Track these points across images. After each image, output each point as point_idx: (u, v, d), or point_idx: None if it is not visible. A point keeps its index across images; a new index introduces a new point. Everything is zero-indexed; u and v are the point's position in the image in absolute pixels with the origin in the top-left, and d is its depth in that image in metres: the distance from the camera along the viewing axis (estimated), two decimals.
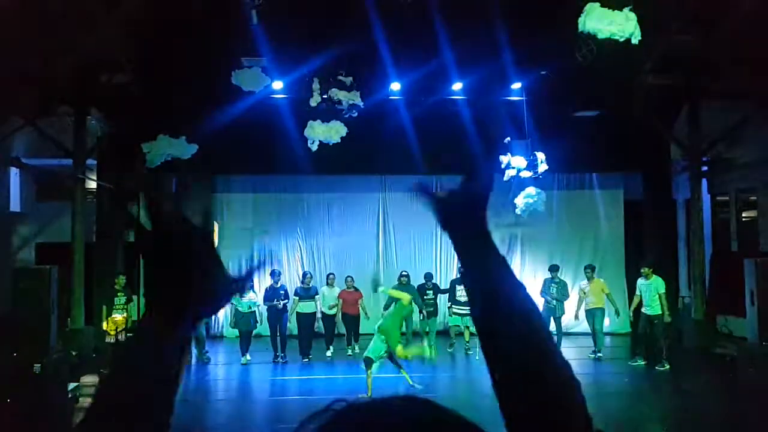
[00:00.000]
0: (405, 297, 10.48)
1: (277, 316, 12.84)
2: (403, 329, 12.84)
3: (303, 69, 11.89)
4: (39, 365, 9.13)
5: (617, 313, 13.19)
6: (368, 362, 9.69)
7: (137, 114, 12.61)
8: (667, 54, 11.85)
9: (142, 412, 0.89)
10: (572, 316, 13.39)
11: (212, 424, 9.34)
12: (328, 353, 13.17)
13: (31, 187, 15.66)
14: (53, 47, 10.16)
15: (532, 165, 12.15)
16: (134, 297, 12.94)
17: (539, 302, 13.18)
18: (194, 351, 12.62)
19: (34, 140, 13.34)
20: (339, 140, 11.70)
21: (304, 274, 13.66)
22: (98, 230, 14.27)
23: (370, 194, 15.90)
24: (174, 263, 0.95)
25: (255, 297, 13.11)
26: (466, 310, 12.51)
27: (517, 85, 13.33)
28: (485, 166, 1.10)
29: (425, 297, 13.45)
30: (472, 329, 11.88)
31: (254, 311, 12.89)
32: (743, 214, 15.33)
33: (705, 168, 13.90)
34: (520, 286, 1.03)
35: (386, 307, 11.67)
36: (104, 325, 11.94)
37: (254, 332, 12.99)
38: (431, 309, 13.48)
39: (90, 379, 10.23)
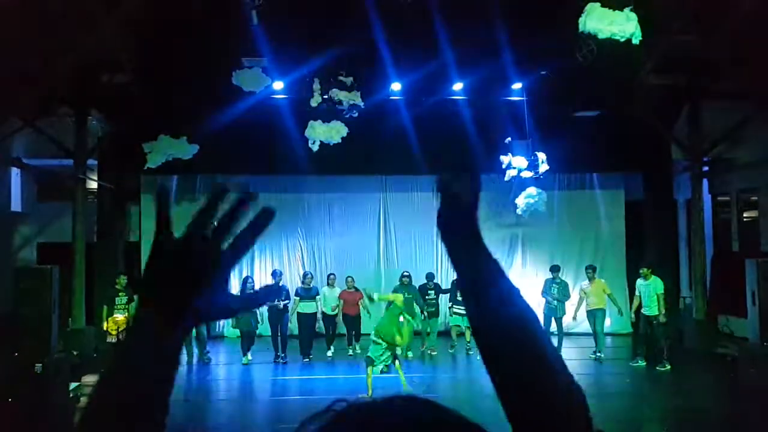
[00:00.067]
0: (398, 297, 10.50)
1: (277, 316, 12.84)
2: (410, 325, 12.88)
3: (303, 69, 11.89)
4: (40, 365, 9.14)
5: (620, 312, 13.19)
6: (369, 361, 9.68)
7: (138, 114, 12.61)
8: (668, 54, 11.84)
9: (140, 411, 0.89)
10: (577, 318, 13.42)
11: (213, 424, 9.35)
12: (329, 353, 13.17)
13: (32, 187, 15.67)
14: (53, 47, 10.17)
15: (532, 165, 12.15)
16: (135, 297, 12.94)
17: (540, 302, 13.19)
18: (195, 351, 12.62)
19: (34, 140, 13.35)
20: (340, 140, 11.71)
21: (305, 275, 13.66)
22: (99, 230, 14.29)
23: (371, 194, 15.90)
24: (179, 265, 0.95)
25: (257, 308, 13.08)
26: None
27: (517, 86, 13.32)
28: (472, 171, 1.09)
29: (427, 297, 13.43)
30: None
31: (255, 311, 12.87)
32: (744, 215, 15.32)
33: (706, 168, 13.89)
34: (514, 290, 1.02)
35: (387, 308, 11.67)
36: (105, 325, 11.95)
37: (254, 333, 12.98)
38: (433, 309, 13.46)
39: (91, 379, 10.25)
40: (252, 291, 1.02)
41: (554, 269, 13.56)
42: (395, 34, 11.31)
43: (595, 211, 16.05)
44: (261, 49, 11.43)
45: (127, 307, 12.39)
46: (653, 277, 12.29)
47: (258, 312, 12.94)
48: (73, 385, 9.72)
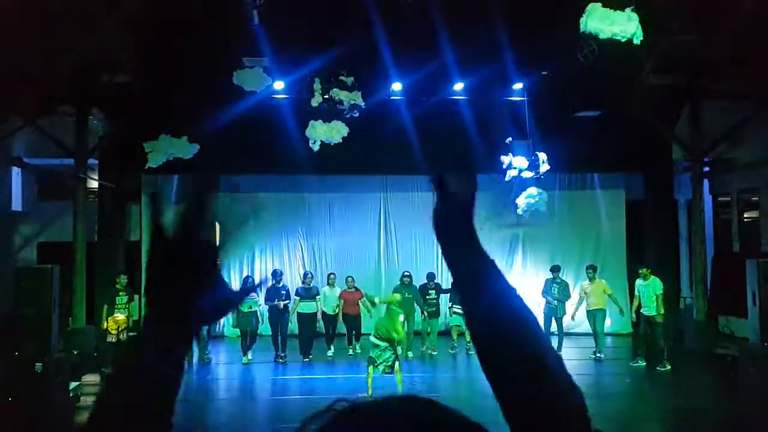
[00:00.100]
0: (394, 297, 10.47)
1: (278, 315, 12.84)
2: (405, 329, 12.87)
3: (304, 69, 11.89)
4: (40, 364, 9.14)
5: (621, 312, 13.19)
6: (371, 361, 9.65)
7: (139, 114, 12.61)
8: (669, 54, 11.84)
9: (146, 412, 0.89)
10: (575, 317, 13.42)
11: (213, 424, 9.35)
12: (329, 353, 13.17)
13: (32, 186, 15.69)
14: (53, 47, 10.17)
15: (533, 165, 12.15)
16: (135, 296, 12.95)
17: (541, 302, 13.19)
18: (196, 351, 12.62)
19: (35, 140, 13.36)
20: (340, 140, 11.70)
21: (305, 274, 13.66)
22: (100, 229, 14.29)
23: (372, 194, 15.91)
24: (178, 266, 0.95)
25: (256, 297, 13.10)
26: None
27: (518, 86, 13.32)
28: (468, 170, 1.09)
29: (427, 297, 13.42)
30: None
31: (255, 311, 12.88)
32: (745, 215, 15.32)
33: (706, 168, 13.89)
34: (510, 290, 1.02)
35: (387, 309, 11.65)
36: (105, 325, 11.95)
37: (254, 332, 12.97)
38: (433, 309, 13.44)
39: (91, 379, 10.24)
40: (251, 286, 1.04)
41: (555, 269, 13.56)
42: (396, 34, 11.30)
43: (596, 211, 16.05)
44: (262, 48, 11.43)
45: (127, 306, 12.39)
46: (652, 277, 12.29)
47: (258, 312, 12.96)
48: (73, 384, 9.72)
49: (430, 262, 15.10)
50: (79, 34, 10.28)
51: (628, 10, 8.36)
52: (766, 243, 13.92)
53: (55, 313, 11.86)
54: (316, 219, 15.84)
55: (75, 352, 11.79)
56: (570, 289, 13.62)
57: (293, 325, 13.09)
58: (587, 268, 13.38)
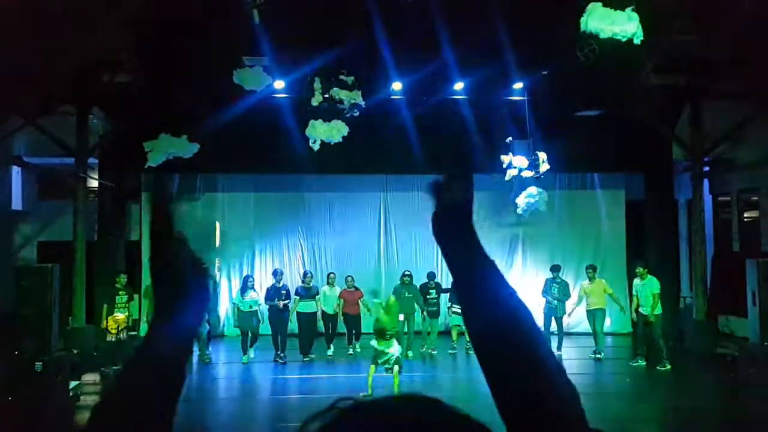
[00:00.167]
0: (390, 300, 10.40)
1: (278, 315, 12.84)
2: (405, 329, 12.87)
3: (304, 68, 11.89)
4: (40, 363, 9.15)
5: (623, 310, 13.19)
6: (374, 360, 9.61)
7: (139, 113, 12.62)
8: (669, 54, 11.85)
9: (149, 412, 0.89)
10: (571, 315, 13.43)
11: (213, 423, 9.34)
12: (329, 352, 13.17)
13: (33, 185, 15.69)
14: (53, 47, 10.17)
15: (533, 165, 12.15)
16: (135, 295, 12.96)
17: (541, 302, 13.19)
18: (196, 351, 12.62)
19: (36, 139, 13.36)
20: (340, 139, 11.70)
21: (305, 273, 13.66)
22: (100, 229, 14.29)
23: (372, 193, 15.91)
24: (169, 269, 0.97)
25: (256, 296, 13.12)
26: None
27: (518, 85, 13.31)
28: (466, 171, 1.10)
29: (428, 297, 13.41)
30: None
31: (256, 310, 12.89)
32: (745, 215, 15.32)
33: (707, 168, 13.89)
34: (508, 290, 1.02)
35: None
36: (105, 324, 11.96)
37: (255, 332, 12.97)
38: (434, 309, 13.42)
39: (91, 378, 10.23)
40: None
41: (555, 269, 13.56)
42: (396, 34, 11.30)
43: (596, 210, 16.04)
44: (262, 48, 11.43)
45: (127, 305, 12.40)
46: (649, 276, 12.30)
47: (259, 311, 12.96)
48: (73, 383, 9.72)
49: (430, 261, 15.09)
50: (79, 34, 10.28)
51: (628, 9, 8.36)
52: (766, 243, 13.92)
53: (55, 312, 11.88)
54: (316, 218, 15.84)
55: (75, 352, 11.81)
56: (570, 288, 13.62)
57: (293, 325, 13.08)
58: (587, 268, 13.38)
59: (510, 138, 12.33)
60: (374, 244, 15.91)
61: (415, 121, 13.29)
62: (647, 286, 12.18)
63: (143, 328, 13.12)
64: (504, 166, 12.14)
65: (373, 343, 9.78)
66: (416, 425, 0.73)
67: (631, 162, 14.68)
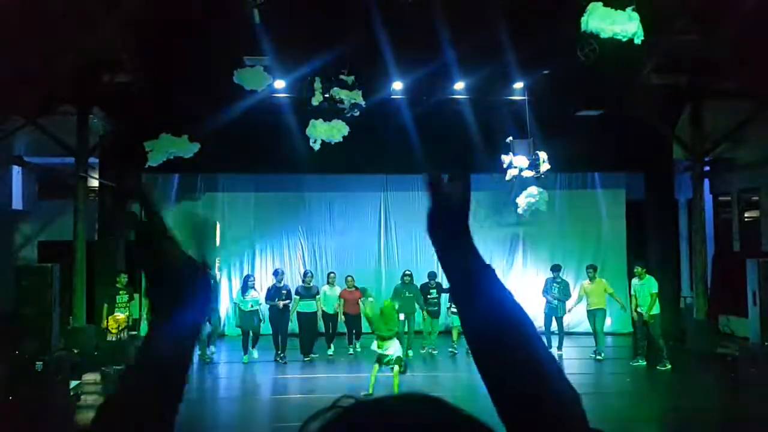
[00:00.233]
0: (386, 304, 10.35)
1: (278, 315, 12.84)
2: (406, 329, 12.87)
3: (305, 68, 11.88)
4: (41, 363, 9.15)
5: (624, 308, 13.19)
6: (377, 359, 9.59)
7: (139, 113, 12.62)
8: (670, 54, 11.84)
9: (152, 412, 0.90)
10: (571, 314, 13.43)
11: (214, 423, 9.35)
12: (329, 352, 13.18)
13: (33, 185, 15.69)
14: (53, 47, 10.17)
15: (534, 164, 12.14)
16: (136, 295, 12.96)
17: (541, 302, 13.19)
18: (196, 351, 12.62)
19: (36, 139, 13.36)
20: (341, 139, 11.69)
21: (305, 273, 13.66)
22: (100, 228, 14.29)
23: (372, 193, 15.91)
24: (165, 269, 0.97)
25: (257, 295, 13.12)
26: None
27: (519, 85, 13.30)
28: (463, 171, 1.09)
29: (429, 296, 13.40)
30: None
31: (256, 310, 12.90)
32: (745, 215, 15.32)
33: (707, 168, 13.89)
34: (504, 292, 1.01)
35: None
36: (106, 323, 11.96)
37: (256, 331, 12.97)
38: (435, 309, 13.42)
39: (92, 377, 10.23)
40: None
41: (555, 269, 13.56)
42: (397, 34, 11.29)
43: (596, 210, 16.04)
44: (262, 47, 11.42)
45: (127, 305, 12.40)
46: (647, 276, 12.31)
47: (260, 311, 12.97)
48: (73, 383, 9.72)
49: (430, 261, 15.04)
50: (79, 34, 10.28)
51: (629, 9, 8.35)
52: (767, 243, 13.92)
53: (55, 311, 11.89)
54: (316, 218, 15.84)
55: (75, 351, 11.82)
56: (570, 288, 13.62)
57: (293, 325, 13.09)
58: (587, 268, 13.38)
59: (510, 138, 12.33)
60: (375, 244, 15.91)
61: (416, 121, 13.28)
62: (645, 286, 12.18)
63: (144, 327, 13.12)
64: (504, 165, 12.13)
65: (373, 346, 9.77)
66: (417, 424, 0.73)
67: (631, 162, 14.67)
